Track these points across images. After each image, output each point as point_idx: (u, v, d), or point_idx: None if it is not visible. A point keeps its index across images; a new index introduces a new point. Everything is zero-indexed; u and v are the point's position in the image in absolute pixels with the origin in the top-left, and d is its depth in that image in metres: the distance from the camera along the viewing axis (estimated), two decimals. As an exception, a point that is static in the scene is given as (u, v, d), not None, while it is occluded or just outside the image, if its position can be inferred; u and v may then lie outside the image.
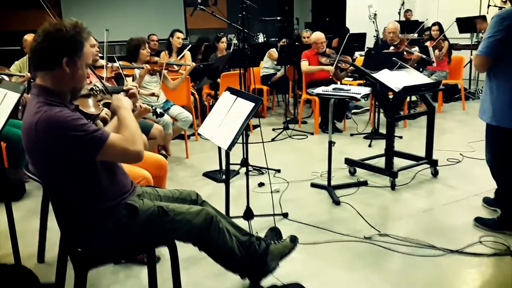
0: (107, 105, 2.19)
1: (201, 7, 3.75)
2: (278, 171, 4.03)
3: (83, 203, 1.77)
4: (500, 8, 7.16)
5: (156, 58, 4.60)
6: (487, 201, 3.19)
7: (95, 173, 1.76)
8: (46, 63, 1.70)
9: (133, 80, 4.02)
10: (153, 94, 4.11)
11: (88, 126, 1.65)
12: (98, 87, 2.13)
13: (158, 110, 2.64)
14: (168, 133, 4.19)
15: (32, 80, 3.66)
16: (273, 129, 5.63)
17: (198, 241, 2.00)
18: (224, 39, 6.14)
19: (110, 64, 3.77)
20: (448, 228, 2.89)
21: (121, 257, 2.36)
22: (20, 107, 3.54)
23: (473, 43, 7.47)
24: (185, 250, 2.09)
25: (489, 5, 7.46)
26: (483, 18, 7.20)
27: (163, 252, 2.40)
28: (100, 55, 3.86)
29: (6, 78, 3.73)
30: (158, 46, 6.56)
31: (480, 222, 2.88)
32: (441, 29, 6.55)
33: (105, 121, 2.88)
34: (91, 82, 2.24)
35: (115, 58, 3.82)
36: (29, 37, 4.38)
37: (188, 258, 2.47)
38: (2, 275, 2.15)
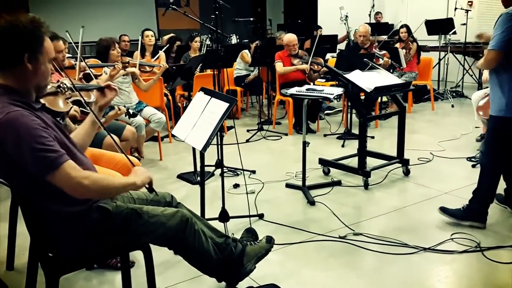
0: (76, 102, 2.14)
1: (173, 7, 3.71)
2: (253, 172, 4.02)
3: (52, 206, 1.69)
4: (467, 11, 7.39)
5: (128, 59, 4.53)
6: (498, 198, 3.16)
7: None
8: (6, 61, 1.62)
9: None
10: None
11: (48, 141, 1.56)
12: (66, 84, 2.07)
13: (131, 111, 2.59)
14: (141, 134, 4.12)
15: None
16: (248, 130, 5.62)
17: (174, 244, 1.97)
18: (197, 38, 6.11)
19: (76, 63, 3.67)
20: (420, 226, 2.95)
21: (93, 262, 2.31)
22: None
23: (441, 44, 7.67)
24: (160, 254, 2.06)
25: (455, 8, 7.68)
26: (450, 20, 7.39)
27: (137, 256, 2.36)
28: (68, 55, 3.76)
29: None
30: (129, 47, 6.46)
31: (445, 211, 2.97)
32: (409, 31, 6.70)
33: (74, 119, 2.81)
34: (58, 81, 2.18)
35: (81, 58, 3.73)
36: None
37: (163, 262, 2.43)
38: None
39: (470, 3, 8.06)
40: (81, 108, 2.74)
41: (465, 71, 7.84)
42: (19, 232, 2.45)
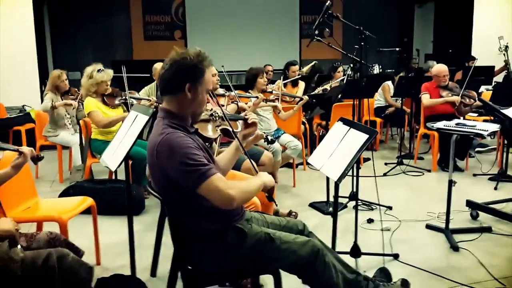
0: (224, 131, 2.29)
1: (318, 38, 3.78)
2: (390, 208, 3.82)
3: (195, 222, 1.85)
4: None
5: (270, 88, 4.73)
6: None
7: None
8: (171, 88, 1.85)
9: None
10: (275, 107, 4.24)
11: (198, 157, 1.72)
12: (217, 113, 2.24)
13: (269, 137, 2.68)
14: (277, 160, 4.24)
15: (158, 104, 4.00)
16: (386, 164, 5.39)
17: (303, 273, 1.95)
18: (340, 68, 6.13)
19: (227, 93, 3.97)
20: None
21: (227, 280, 2.40)
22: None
23: None
24: (289, 279, 2.05)
25: None
26: None
27: (266, 280, 2.39)
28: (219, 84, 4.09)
29: (135, 101, 4.13)
30: (272, 76, 6.77)
31: None
32: None
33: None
34: (211, 109, 2.36)
35: (232, 87, 4.01)
36: (158, 65, 4.82)
37: (290, 289, 2.42)
38: (118, 285, 2.31)
39: None
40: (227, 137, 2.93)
41: None
42: (164, 242, 2.68)
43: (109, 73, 4.10)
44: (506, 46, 5.94)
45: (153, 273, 2.72)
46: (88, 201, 2.81)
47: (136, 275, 2.52)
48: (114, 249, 3.06)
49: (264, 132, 3.32)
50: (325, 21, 3.69)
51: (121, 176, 3.78)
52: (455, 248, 3.03)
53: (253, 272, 1.99)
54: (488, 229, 3.33)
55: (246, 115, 2.23)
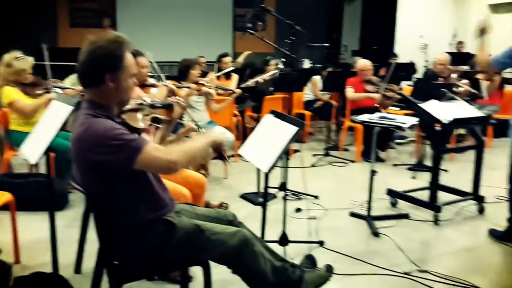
0: (155, 120, 2.24)
1: (251, 31, 3.82)
2: (316, 197, 3.97)
3: (122, 216, 1.80)
4: None
5: (203, 80, 4.71)
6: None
7: (134, 186, 1.79)
8: (91, 81, 1.76)
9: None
10: (209, 94, 4.23)
11: (126, 135, 1.68)
12: (146, 101, 2.19)
13: (202, 129, 2.68)
14: (209, 152, 4.23)
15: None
16: (314, 155, 5.58)
17: (232, 263, 1.98)
18: (272, 62, 6.23)
19: (159, 83, 3.88)
20: (493, 269, 2.74)
21: (155, 274, 2.38)
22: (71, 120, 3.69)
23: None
24: (219, 271, 2.08)
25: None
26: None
27: (196, 272, 2.40)
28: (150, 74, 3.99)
29: (60, 91, 3.92)
30: (205, 68, 6.72)
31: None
32: (494, 62, 6.33)
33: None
34: (140, 97, 2.31)
35: (162, 77, 3.93)
36: None
37: (220, 281, 2.44)
38: (39, 283, 2.21)
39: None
40: (156, 125, 2.88)
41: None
42: (88, 238, 2.59)
43: (29, 60, 3.85)
44: (426, 45, 6.35)
45: (78, 269, 2.62)
46: (6, 196, 2.64)
47: (59, 272, 2.42)
48: (35, 246, 2.91)
49: (196, 124, 3.31)
50: (258, 15, 3.72)
51: (44, 169, 3.59)
52: (375, 234, 3.22)
53: (182, 264, 1.98)
54: (405, 216, 3.57)
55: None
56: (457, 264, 2.80)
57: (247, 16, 3.74)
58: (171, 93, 3.67)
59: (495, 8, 9.21)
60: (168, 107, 2.17)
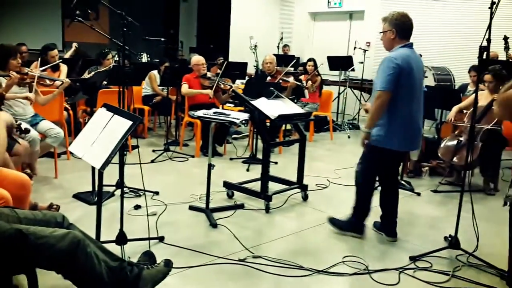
0: None
1: (79, 19, 3.57)
2: (156, 193, 3.94)
3: None
4: (364, 51, 8.06)
5: (27, 69, 4.23)
6: (375, 225, 3.47)
7: None
8: None
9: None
10: (26, 98, 3.78)
11: None
12: None
13: (23, 126, 2.42)
14: (34, 150, 3.84)
15: None
16: (153, 151, 5.51)
17: (63, 268, 1.85)
18: (110, 55, 5.86)
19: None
20: (315, 249, 3.09)
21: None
22: None
23: (341, 79, 8.25)
24: (47, 278, 1.92)
25: (355, 47, 8.34)
26: (350, 58, 8.02)
27: (21, 281, 2.17)
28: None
29: None
30: (28, 57, 6.04)
31: (333, 222, 3.38)
32: (315, 65, 7.13)
33: None
34: None
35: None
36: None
37: None
38: None
39: (368, 44, 8.81)
40: None
41: (361, 105, 8.49)
42: None
43: None
44: (256, 45, 6.77)
45: None
46: None
47: None
48: None
49: (16, 118, 2.98)
50: (88, 3, 3.51)
51: None
52: (214, 225, 3.35)
53: (3, 275, 1.77)
54: (241, 206, 3.79)
55: None
56: (286, 247, 3.09)
57: (74, 3, 3.48)
58: None
59: (314, 16, 10.36)
60: None
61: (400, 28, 3.02)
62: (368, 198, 3.26)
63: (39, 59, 4.92)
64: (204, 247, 2.98)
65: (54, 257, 1.79)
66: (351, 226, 3.30)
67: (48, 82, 4.72)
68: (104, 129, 2.43)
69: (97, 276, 1.91)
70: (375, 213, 3.37)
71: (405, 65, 2.93)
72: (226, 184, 4.03)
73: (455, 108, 4.65)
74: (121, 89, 3.56)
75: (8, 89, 3.76)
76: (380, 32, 3.13)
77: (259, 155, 5.05)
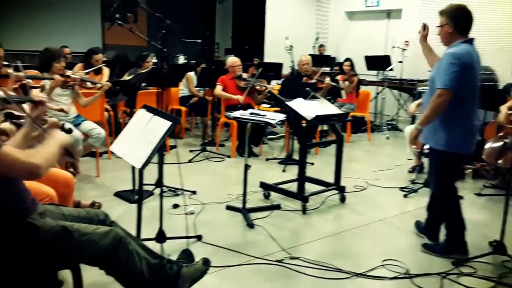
0: (9, 115, 2.03)
1: (119, 22, 3.66)
2: (194, 192, 3.98)
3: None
4: (403, 50, 7.87)
5: (69, 72, 4.37)
6: (418, 227, 3.34)
7: None
8: None
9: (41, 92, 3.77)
10: (62, 110, 3.89)
11: None
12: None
13: (66, 126, 2.48)
14: (78, 149, 3.97)
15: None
16: (191, 151, 5.58)
17: (105, 264, 1.90)
18: (149, 58, 5.97)
19: (15, 73, 3.50)
20: (354, 252, 3.04)
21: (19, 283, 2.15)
22: None
23: (379, 79, 8.09)
24: (91, 273, 1.97)
25: (393, 46, 8.16)
26: (388, 58, 7.85)
27: (66, 276, 2.24)
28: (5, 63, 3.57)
29: None
30: (70, 59, 6.24)
31: (427, 247, 3.07)
32: (352, 65, 7.01)
33: (5, 135, 2.65)
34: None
35: (20, 67, 3.55)
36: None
37: (93, 283, 2.32)
38: None
39: (406, 43, 8.60)
40: (13, 120, 2.60)
41: (399, 106, 8.30)
42: None
43: None
44: (291, 46, 6.74)
45: None
46: None
47: None
48: None
49: (61, 119, 3.07)
50: (128, 6, 3.59)
51: None
52: (250, 225, 3.35)
53: (49, 270, 1.83)
54: (277, 207, 3.77)
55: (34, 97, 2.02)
56: (324, 249, 3.05)
57: (114, 7, 3.57)
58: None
59: (351, 15, 10.21)
60: (26, 102, 1.99)
61: (458, 21, 2.82)
62: (457, 210, 3.00)
63: (83, 61, 5.07)
64: (241, 247, 2.99)
65: (97, 253, 1.84)
66: (451, 248, 2.99)
67: (89, 85, 4.86)
68: (144, 130, 2.47)
69: (138, 273, 1.95)
70: (415, 215, 3.28)
71: (468, 62, 2.75)
72: (263, 185, 4.03)
73: (504, 109, 4.42)
74: (159, 90, 3.62)
75: (51, 91, 3.89)
76: (437, 26, 2.92)
77: (295, 156, 5.03)
